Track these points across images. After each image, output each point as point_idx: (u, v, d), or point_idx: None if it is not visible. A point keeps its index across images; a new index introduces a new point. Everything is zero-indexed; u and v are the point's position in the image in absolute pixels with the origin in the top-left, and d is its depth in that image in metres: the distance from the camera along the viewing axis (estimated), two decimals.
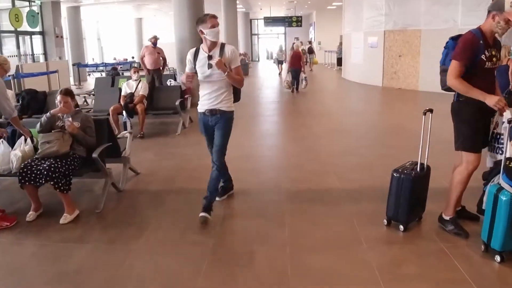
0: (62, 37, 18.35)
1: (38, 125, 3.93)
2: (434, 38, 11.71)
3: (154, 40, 9.32)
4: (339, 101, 11.97)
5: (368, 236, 3.29)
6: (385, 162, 4.84)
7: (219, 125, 3.66)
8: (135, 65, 15.65)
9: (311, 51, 23.26)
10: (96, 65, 23.03)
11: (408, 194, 3.24)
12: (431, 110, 3.24)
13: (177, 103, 7.25)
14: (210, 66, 3.50)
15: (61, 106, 3.91)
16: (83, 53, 21.47)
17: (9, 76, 9.76)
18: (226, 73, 3.44)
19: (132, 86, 7.29)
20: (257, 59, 34.60)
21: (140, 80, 7.34)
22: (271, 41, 36.77)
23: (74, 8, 20.76)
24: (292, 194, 4.28)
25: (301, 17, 24.41)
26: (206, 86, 3.63)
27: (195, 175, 4.95)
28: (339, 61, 21.71)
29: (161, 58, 9.46)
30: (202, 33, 3.51)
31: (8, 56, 8.44)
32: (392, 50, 13.12)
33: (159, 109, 7.51)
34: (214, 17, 3.51)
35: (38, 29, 16.85)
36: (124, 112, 7.01)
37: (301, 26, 24.68)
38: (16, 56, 15.47)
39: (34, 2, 16.54)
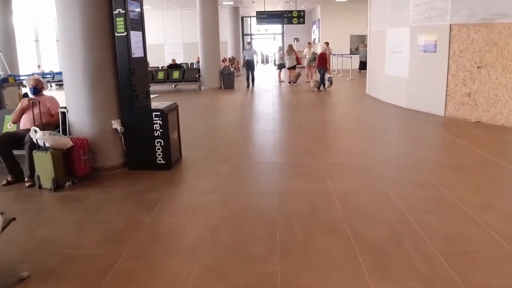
0: None
1: None
2: None
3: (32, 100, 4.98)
4: (383, 154, 6.10)
5: None
6: None
7: None
8: None
9: None
10: (53, 74, 17.67)
11: None
12: None
13: None
14: None
15: None
16: (16, 59, 16.17)
17: None
18: None
19: None
20: None
21: None
22: (267, 43, 31.71)
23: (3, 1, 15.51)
24: None
25: (303, 11, 19.17)
26: None
27: None
28: (362, 65, 17.17)
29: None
30: None
31: None
32: (465, 56, 7.84)
33: None
34: None
35: None
36: None
37: (303, 23, 19.46)
38: None
39: None
